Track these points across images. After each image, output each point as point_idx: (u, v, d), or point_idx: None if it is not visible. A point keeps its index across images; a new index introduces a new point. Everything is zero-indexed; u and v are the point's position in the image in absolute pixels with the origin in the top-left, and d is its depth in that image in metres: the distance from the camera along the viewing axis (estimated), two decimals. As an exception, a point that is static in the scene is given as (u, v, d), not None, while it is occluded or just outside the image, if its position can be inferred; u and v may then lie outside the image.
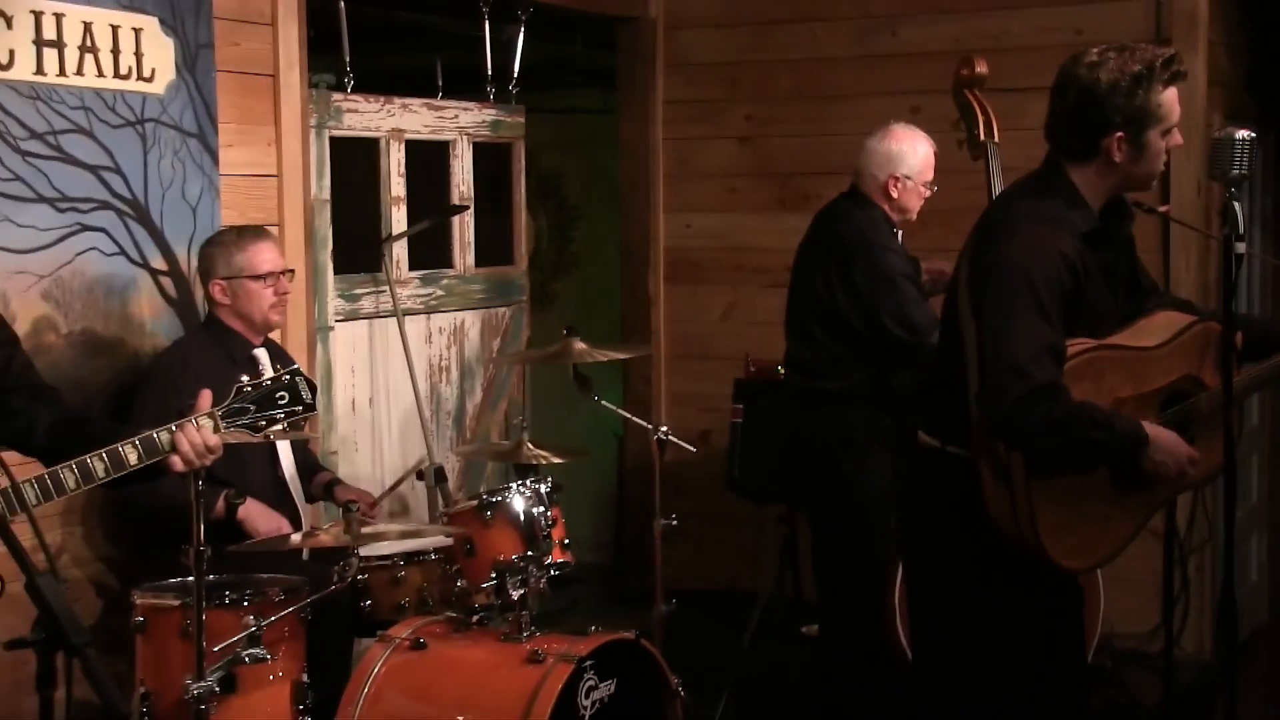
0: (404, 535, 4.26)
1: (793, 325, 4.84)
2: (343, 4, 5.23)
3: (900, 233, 4.78)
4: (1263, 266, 6.24)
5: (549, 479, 4.34)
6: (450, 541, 4.23)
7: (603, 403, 4.93)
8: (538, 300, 7.22)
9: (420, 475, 5.04)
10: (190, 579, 3.50)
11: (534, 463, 4.48)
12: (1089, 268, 3.15)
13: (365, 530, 3.91)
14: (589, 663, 3.78)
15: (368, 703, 3.82)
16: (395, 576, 4.27)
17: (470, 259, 5.90)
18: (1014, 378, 3.02)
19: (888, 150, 4.72)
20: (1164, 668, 4.35)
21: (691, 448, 4.93)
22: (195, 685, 3.49)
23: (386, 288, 5.29)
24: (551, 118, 7.34)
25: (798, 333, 4.81)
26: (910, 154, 4.71)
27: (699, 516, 5.47)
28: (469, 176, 5.85)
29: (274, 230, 4.69)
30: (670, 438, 4.71)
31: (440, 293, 5.76)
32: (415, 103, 5.62)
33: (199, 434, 3.10)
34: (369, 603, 4.25)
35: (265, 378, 3.25)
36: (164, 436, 3.07)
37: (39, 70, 4.06)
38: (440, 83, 5.82)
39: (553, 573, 4.22)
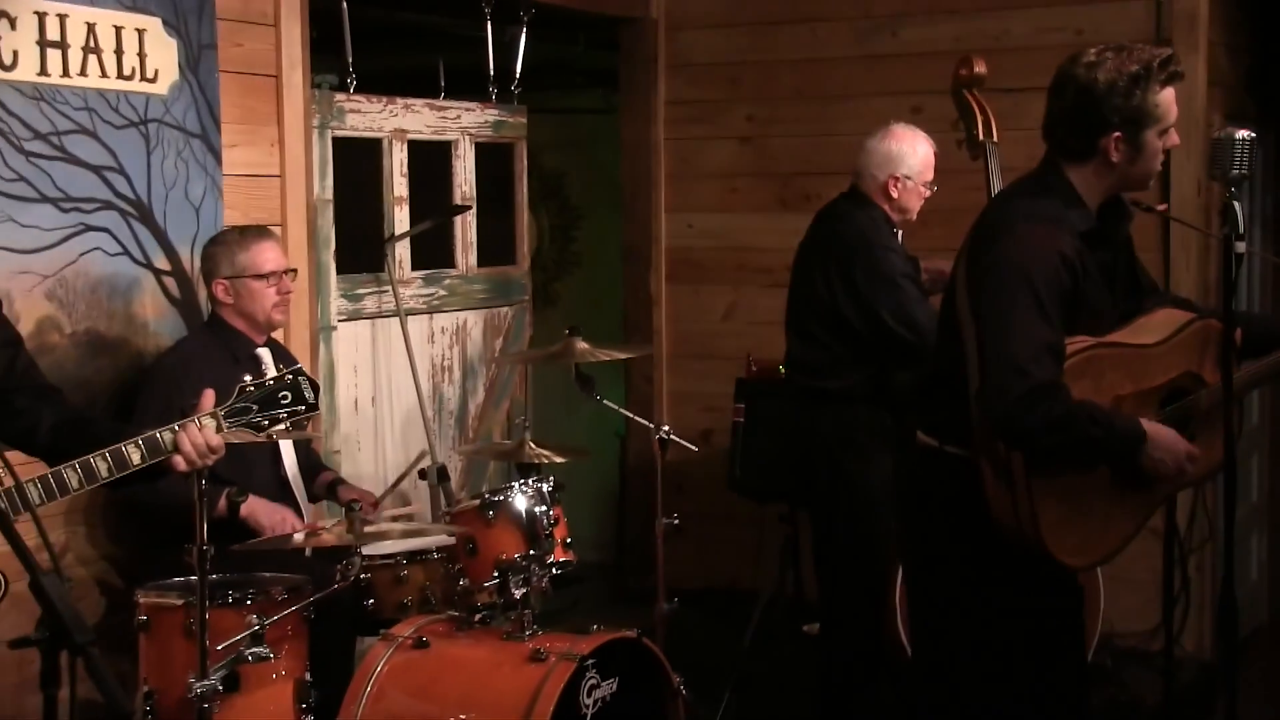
0: (406, 534, 4.27)
1: (793, 325, 4.84)
2: (345, 5, 5.23)
3: (900, 233, 4.78)
4: (1263, 265, 6.24)
5: (551, 478, 4.35)
6: (453, 540, 4.24)
7: (605, 402, 4.93)
8: (540, 300, 7.24)
9: (422, 474, 5.04)
10: (193, 578, 3.51)
11: (536, 462, 4.48)
12: (1087, 267, 3.16)
13: (368, 529, 3.92)
14: (591, 661, 3.79)
15: (370, 701, 3.82)
16: (398, 575, 4.28)
17: (473, 259, 5.91)
18: (1014, 377, 3.02)
19: (888, 150, 4.72)
20: (1164, 667, 4.36)
21: (693, 447, 4.95)
22: (198, 684, 3.50)
23: (389, 287, 5.29)
24: (553, 118, 7.33)
25: (798, 332, 4.81)
26: (910, 154, 4.72)
27: (700, 516, 5.48)
28: (471, 176, 5.85)
29: (277, 230, 4.69)
30: (672, 437, 4.71)
31: (443, 292, 5.77)
32: (418, 103, 5.62)
33: (202, 434, 3.11)
34: (371, 601, 4.26)
35: (268, 377, 3.26)
36: (167, 436, 3.08)
37: (43, 71, 4.07)
38: (443, 83, 5.83)
39: (555, 572, 4.24)
